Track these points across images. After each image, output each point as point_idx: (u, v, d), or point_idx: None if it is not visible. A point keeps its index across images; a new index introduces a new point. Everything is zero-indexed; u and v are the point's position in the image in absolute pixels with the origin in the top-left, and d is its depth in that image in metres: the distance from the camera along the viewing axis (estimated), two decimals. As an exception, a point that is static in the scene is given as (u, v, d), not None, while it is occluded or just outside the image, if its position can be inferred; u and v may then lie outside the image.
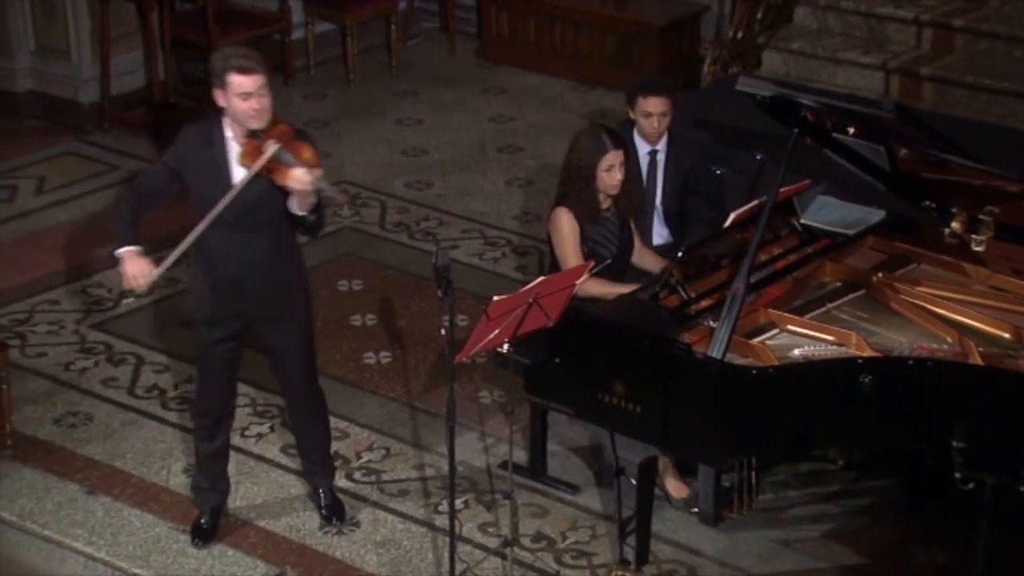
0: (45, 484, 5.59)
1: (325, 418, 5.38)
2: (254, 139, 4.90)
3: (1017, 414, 4.56)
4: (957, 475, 4.55)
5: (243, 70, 4.84)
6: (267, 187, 4.91)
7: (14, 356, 6.19)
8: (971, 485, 4.56)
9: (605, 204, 5.41)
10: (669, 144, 5.79)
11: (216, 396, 5.23)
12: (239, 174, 4.93)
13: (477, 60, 8.92)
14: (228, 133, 4.95)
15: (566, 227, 5.37)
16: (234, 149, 4.94)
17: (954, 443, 4.54)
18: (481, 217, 7.31)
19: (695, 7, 8.56)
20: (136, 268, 4.96)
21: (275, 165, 4.87)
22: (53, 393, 6.10)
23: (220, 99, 4.91)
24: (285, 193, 4.93)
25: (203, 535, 5.33)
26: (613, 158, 5.31)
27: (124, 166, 7.73)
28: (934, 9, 7.90)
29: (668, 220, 5.84)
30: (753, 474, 5.37)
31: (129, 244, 4.99)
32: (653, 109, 5.67)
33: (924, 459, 5.29)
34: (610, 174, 5.32)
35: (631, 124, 5.70)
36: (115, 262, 5.04)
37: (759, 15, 7.97)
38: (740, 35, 7.90)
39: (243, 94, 4.85)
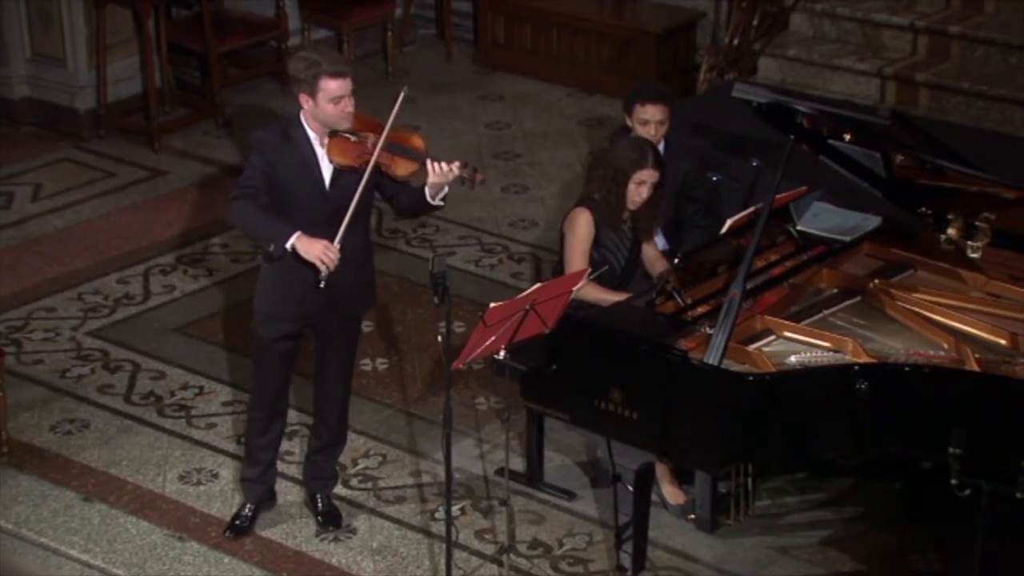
0: (41, 491, 5.58)
1: (347, 420, 5.38)
2: (346, 136, 4.91)
3: (1013, 420, 4.56)
4: (954, 481, 4.55)
5: (335, 75, 4.86)
6: (355, 184, 4.91)
7: (10, 363, 6.18)
8: (968, 491, 4.56)
9: (624, 215, 5.40)
10: (666, 151, 5.78)
11: (270, 392, 5.23)
12: (328, 171, 4.94)
13: (473, 66, 8.93)
14: (311, 134, 4.96)
15: (582, 228, 5.37)
16: (319, 148, 4.95)
17: (951, 449, 4.54)
18: (478, 223, 7.31)
19: (691, 14, 8.57)
20: (323, 248, 4.85)
21: (389, 158, 4.89)
22: (49, 400, 6.09)
23: (306, 103, 4.92)
24: (375, 187, 4.94)
25: (237, 529, 5.34)
26: (648, 175, 5.32)
27: (120, 173, 7.73)
28: (930, 16, 7.91)
29: (664, 227, 5.83)
30: (750, 480, 5.36)
31: (292, 233, 4.88)
32: (651, 117, 5.66)
33: (921, 465, 5.29)
34: (639, 189, 5.32)
35: (628, 131, 5.70)
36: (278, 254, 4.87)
37: (755, 22, 7.98)
38: (736, 42, 7.91)
39: (335, 98, 4.87)
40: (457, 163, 4.92)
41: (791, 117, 4.98)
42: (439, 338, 4.78)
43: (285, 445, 5.77)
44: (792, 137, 4.98)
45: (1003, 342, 4.89)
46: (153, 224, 7.28)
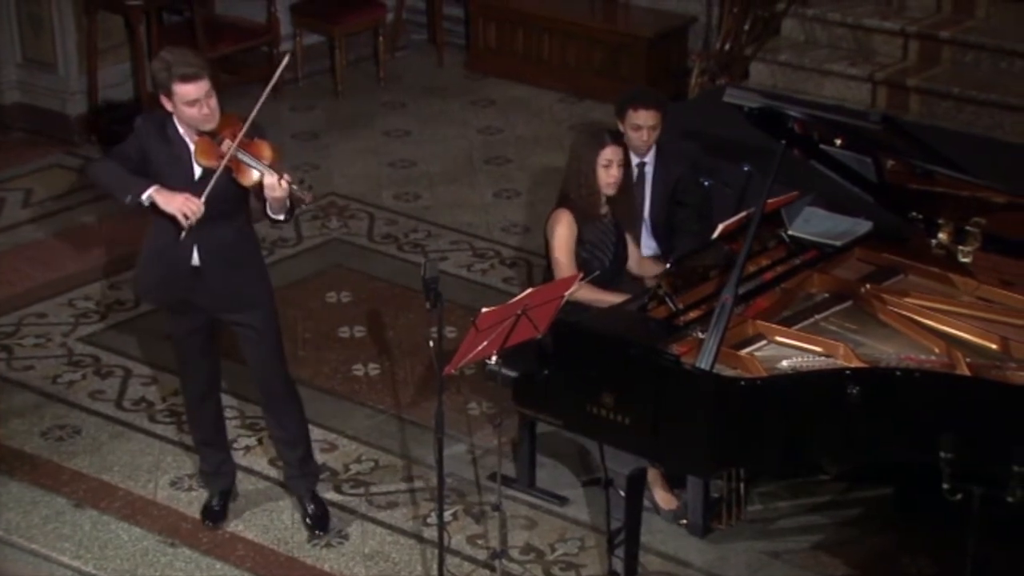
0: (32, 497, 5.57)
1: (301, 413, 5.36)
2: (209, 137, 4.93)
3: (1004, 424, 4.56)
4: (945, 486, 4.55)
5: (187, 78, 4.84)
6: (225, 180, 4.93)
7: (1, 369, 6.18)
8: (959, 496, 4.56)
9: (603, 209, 5.43)
10: (657, 156, 5.80)
11: (200, 388, 5.28)
12: (198, 170, 4.96)
13: (465, 72, 8.94)
14: (181, 130, 4.97)
15: (563, 228, 5.39)
16: (191, 144, 4.96)
17: (942, 454, 4.54)
18: (469, 229, 7.32)
19: (683, 19, 8.59)
20: (184, 199, 4.85)
21: (237, 165, 4.92)
22: (40, 406, 6.08)
23: (167, 105, 4.93)
24: (244, 187, 4.96)
25: (213, 516, 5.38)
26: (612, 153, 5.35)
27: (112, 178, 7.72)
28: (920, 21, 7.93)
29: (656, 232, 5.85)
30: (742, 485, 5.37)
31: (149, 185, 4.89)
32: (643, 122, 5.67)
33: (913, 470, 5.29)
34: (607, 170, 5.35)
35: (620, 135, 5.70)
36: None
37: (746, 27, 8.00)
38: (728, 47, 7.93)
39: (190, 101, 4.86)
40: (287, 177, 4.89)
41: (782, 122, 4.98)
42: (431, 343, 4.78)
43: (274, 451, 5.77)
44: (783, 142, 4.99)
45: (994, 346, 4.89)
46: (144, 230, 7.26)
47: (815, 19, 8.09)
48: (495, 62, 8.87)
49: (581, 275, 5.08)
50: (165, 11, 8.33)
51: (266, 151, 4.95)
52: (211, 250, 5.02)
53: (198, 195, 4.90)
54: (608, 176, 5.36)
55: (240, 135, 4.89)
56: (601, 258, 5.44)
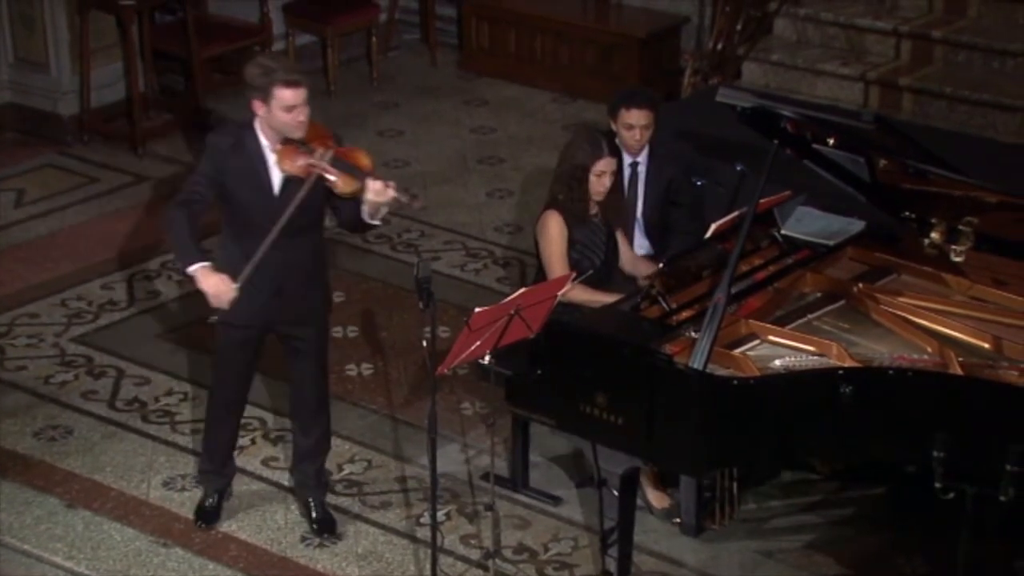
0: (24, 498, 5.56)
1: (329, 428, 5.38)
2: (296, 145, 4.92)
3: (996, 424, 4.57)
4: (937, 485, 4.56)
5: (290, 84, 4.87)
6: (314, 189, 4.92)
7: (-7, 369, 6.17)
8: (951, 495, 4.57)
9: (593, 211, 5.44)
10: (650, 156, 5.80)
11: (231, 395, 5.28)
12: (278, 180, 4.95)
13: (458, 71, 8.93)
14: (264, 141, 4.96)
15: (554, 230, 5.39)
16: (270, 156, 4.95)
17: (934, 453, 4.55)
18: (463, 228, 7.32)
19: (676, 19, 8.59)
20: (216, 284, 4.91)
21: (331, 173, 4.90)
22: (33, 406, 6.07)
23: (259, 110, 4.92)
24: (325, 197, 4.96)
25: (207, 517, 5.38)
26: (606, 164, 5.36)
27: (104, 179, 7.72)
28: (913, 20, 7.94)
29: (649, 231, 5.85)
30: (735, 484, 5.37)
31: (198, 261, 4.94)
32: (635, 121, 5.68)
33: (906, 469, 5.30)
34: (600, 180, 5.36)
35: (612, 136, 5.71)
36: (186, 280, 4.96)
37: (739, 26, 8.00)
38: (720, 46, 7.93)
39: (288, 107, 4.87)
40: (393, 184, 4.93)
41: (775, 121, 4.99)
42: (424, 343, 4.78)
43: (270, 451, 5.77)
44: (776, 141, 4.99)
45: (986, 346, 4.90)
46: (137, 230, 7.27)
47: (807, 19, 8.10)
48: (488, 62, 8.87)
49: (574, 275, 5.08)
50: (157, 11, 8.32)
51: (363, 159, 4.97)
52: (291, 264, 5.02)
53: (283, 207, 4.89)
54: (600, 185, 5.37)
55: (333, 143, 4.90)
56: (592, 258, 5.45)
